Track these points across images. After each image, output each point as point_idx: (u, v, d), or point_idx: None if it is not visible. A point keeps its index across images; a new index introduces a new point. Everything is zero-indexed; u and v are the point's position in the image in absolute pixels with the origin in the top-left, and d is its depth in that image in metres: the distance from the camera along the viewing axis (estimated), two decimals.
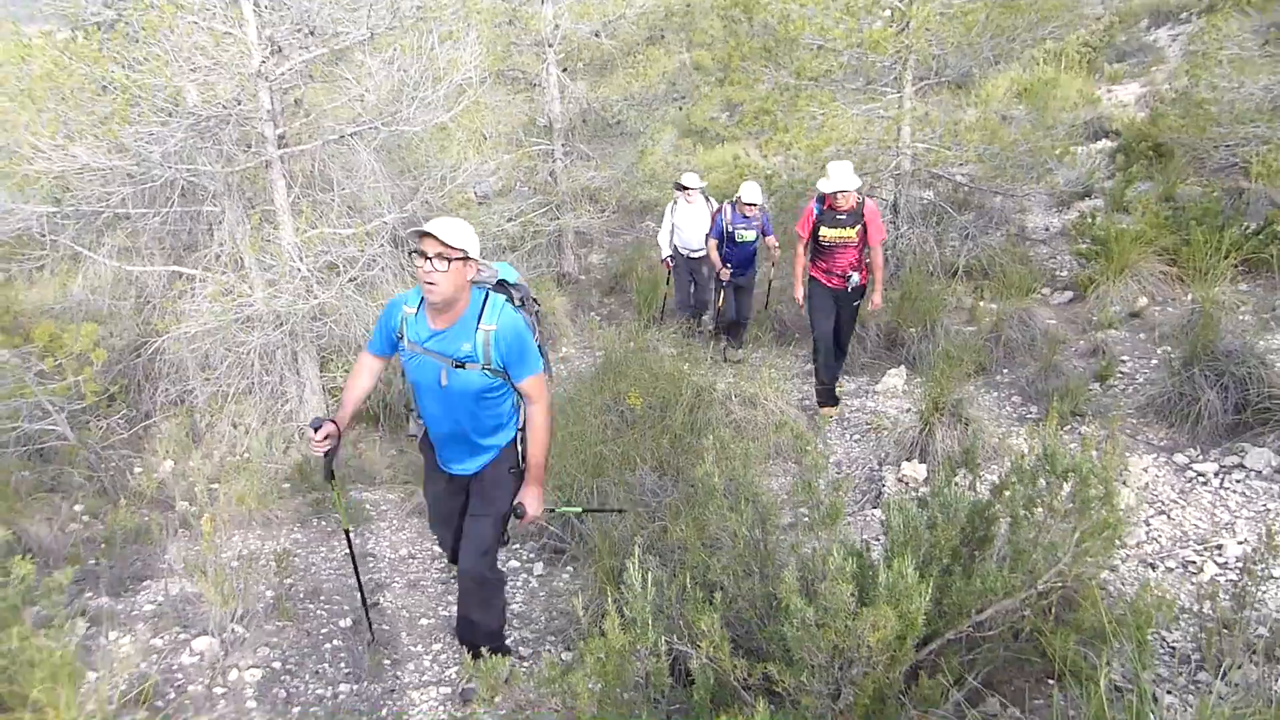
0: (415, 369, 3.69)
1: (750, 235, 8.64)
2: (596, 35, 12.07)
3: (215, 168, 6.95)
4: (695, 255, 9.44)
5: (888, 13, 8.70)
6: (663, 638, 2.77)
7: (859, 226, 6.58)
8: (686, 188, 9.21)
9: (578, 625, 4.07)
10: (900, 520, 2.85)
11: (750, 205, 8.38)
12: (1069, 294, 8.47)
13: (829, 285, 6.84)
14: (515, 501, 3.82)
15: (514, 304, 3.80)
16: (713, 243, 8.75)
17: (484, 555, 3.85)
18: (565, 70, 12.30)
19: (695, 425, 5.91)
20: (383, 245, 7.81)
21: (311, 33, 6.90)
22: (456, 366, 3.59)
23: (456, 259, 3.42)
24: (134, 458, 6.88)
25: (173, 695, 4.07)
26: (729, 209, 8.63)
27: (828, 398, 7.23)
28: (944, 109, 10.57)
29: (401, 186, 8.55)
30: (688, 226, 9.34)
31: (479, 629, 4.03)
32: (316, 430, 3.64)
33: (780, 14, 8.46)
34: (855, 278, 6.72)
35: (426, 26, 7.28)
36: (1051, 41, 13.53)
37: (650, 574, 2.94)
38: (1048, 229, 10.26)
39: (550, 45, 11.91)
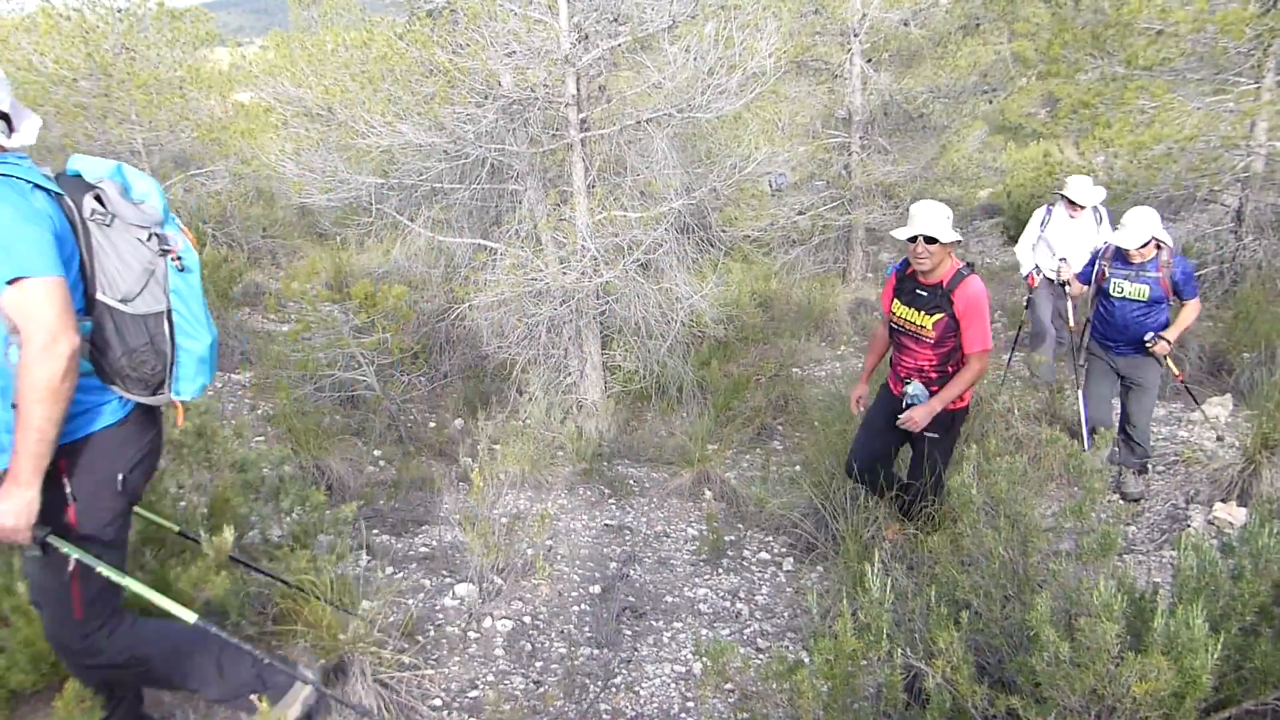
0: None
1: (1138, 291, 5.46)
2: (906, 24, 11.57)
3: (522, 148, 7.39)
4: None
5: None
6: (899, 650, 2.57)
7: (942, 316, 4.38)
8: (1073, 202, 7.02)
9: (813, 623, 3.91)
10: (1194, 562, 2.44)
11: (1139, 243, 5.30)
12: None
13: (892, 389, 4.78)
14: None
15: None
16: (1078, 287, 6.07)
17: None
18: (869, 60, 11.91)
19: (969, 436, 5.50)
20: (668, 230, 7.96)
21: (617, 20, 7.13)
22: None
23: None
24: (429, 413, 7.48)
25: (432, 632, 4.36)
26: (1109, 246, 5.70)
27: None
28: None
29: (692, 174, 8.66)
30: (1061, 247, 7.13)
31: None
32: None
33: None
34: (920, 391, 4.52)
35: (727, 14, 7.30)
36: None
37: (894, 582, 2.75)
38: None
39: (856, 35, 11.58)
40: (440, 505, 5.97)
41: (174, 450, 4.36)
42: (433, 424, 7.30)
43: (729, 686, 3.96)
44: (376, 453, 6.62)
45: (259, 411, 7.02)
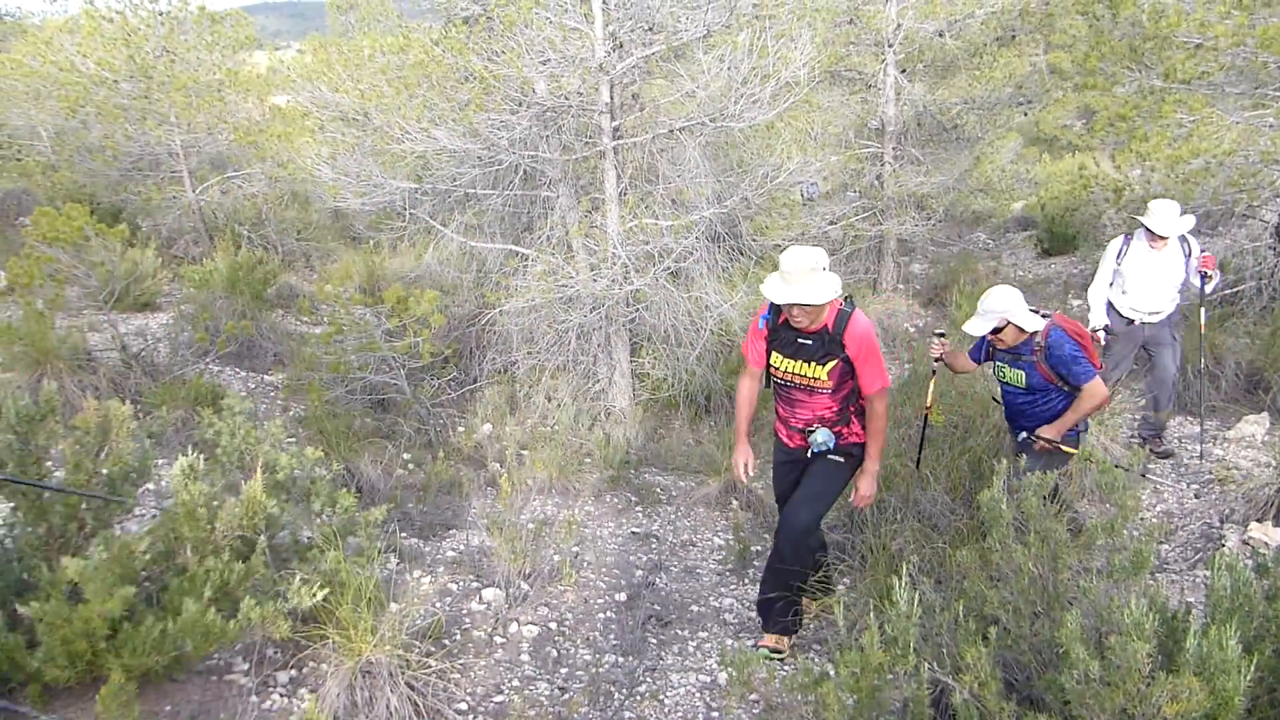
0: None
1: (1016, 377, 4.89)
2: (941, 35, 11.52)
3: (554, 155, 7.43)
4: (1151, 319, 6.30)
5: None
6: (925, 664, 2.56)
7: (836, 362, 4.02)
8: (1154, 233, 6.07)
9: (839, 636, 3.89)
10: (1228, 582, 2.41)
11: (981, 330, 4.76)
12: None
13: (788, 444, 4.40)
14: None
15: None
16: (968, 365, 5.21)
17: None
18: (903, 71, 11.86)
19: (1000, 450, 5.46)
20: (699, 239, 7.96)
21: (651, 29, 7.16)
22: None
23: None
24: (458, 417, 7.52)
25: (458, 636, 4.39)
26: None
27: (773, 619, 4.45)
28: None
29: (724, 183, 8.66)
30: (1143, 279, 6.21)
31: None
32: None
33: (1152, 9, 7.56)
34: (828, 437, 4.19)
35: (762, 24, 7.30)
36: None
37: (922, 596, 2.74)
38: None
39: (890, 45, 11.54)
40: (468, 510, 6.00)
41: (207, 450, 4.42)
42: (462, 428, 7.34)
43: (754, 697, 3.96)
44: (406, 456, 6.67)
45: (291, 413, 7.10)
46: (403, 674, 3.52)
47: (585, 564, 5.36)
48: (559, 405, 7.72)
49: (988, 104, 11.92)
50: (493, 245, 8.29)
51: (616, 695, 4.05)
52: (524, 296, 7.42)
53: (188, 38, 11.22)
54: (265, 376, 8.12)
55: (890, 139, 12.04)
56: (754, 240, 10.15)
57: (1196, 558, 5.01)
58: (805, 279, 3.82)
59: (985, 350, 4.99)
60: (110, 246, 8.50)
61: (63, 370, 6.44)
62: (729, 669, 3.89)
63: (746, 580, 5.31)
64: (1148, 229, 6.12)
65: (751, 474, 4.43)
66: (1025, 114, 12.98)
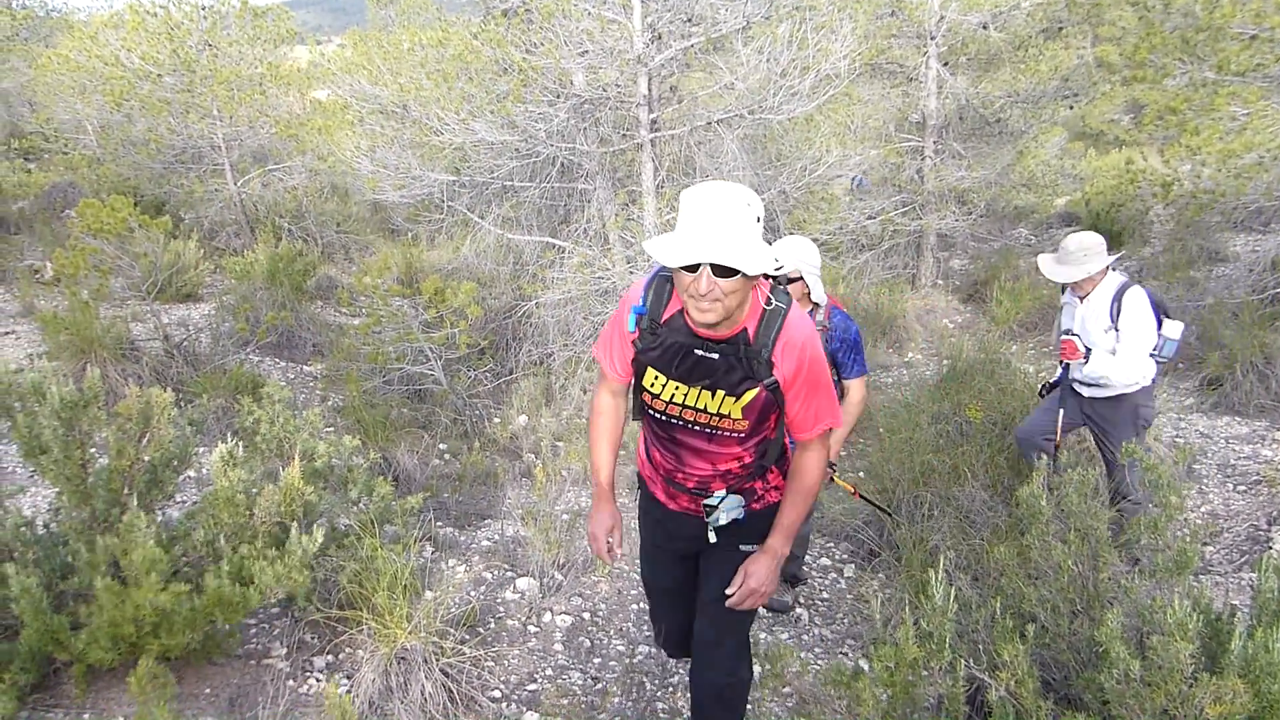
0: None
1: None
2: (985, 27, 11.35)
3: (592, 147, 7.43)
4: (1086, 393, 4.70)
5: None
6: (961, 661, 2.52)
7: (757, 392, 2.51)
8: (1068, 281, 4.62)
9: (874, 631, 3.86)
10: (1275, 585, 2.35)
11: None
12: None
13: (667, 504, 2.87)
14: None
15: None
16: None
17: None
18: (946, 64, 11.71)
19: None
20: None
21: (690, 20, 7.13)
22: None
23: None
24: (494, 408, 7.55)
25: (492, 624, 4.40)
26: None
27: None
28: None
29: (761, 176, 8.61)
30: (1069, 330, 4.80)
31: None
32: None
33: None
34: (736, 505, 2.74)
35: (802, 15, 7.24)
36: None
37: (958, 592, 2.70)
38: None
39: (933, 38, 11.39)
40: (503, 500, 6.02)
41: (246, 438, 4.48)
42: (497, 419, 7.37)
43: (787, 690, 3.94)
44: (442, 446, 6.71)
45: (329, 403, 7.17)
46: (437, 661, 3.54)
47: (619, 555, 5.35)
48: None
49: (1032, 97, 11.73)
50: (529, 237, 8.31)
51: (649, 686, 4.04)
52: (560, 289, 7.44)
53: (230, 32, 11.36)
54: (304, 367, 8.20)
55: (931, 133, 11.89)
56: (791, 234, 10.07)
57: (1242, 560, 4.90)
58: (732, 229, 2.17)
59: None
60: (154, 238, 8.64)
61: (107, 359, 6.56)
62: (762, 662, 3.89)
63: (796, 591, 5.28)
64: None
65: (620, 551, 2.82)
66: (1071, 108, 12.75)
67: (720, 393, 2.50)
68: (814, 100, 7.27)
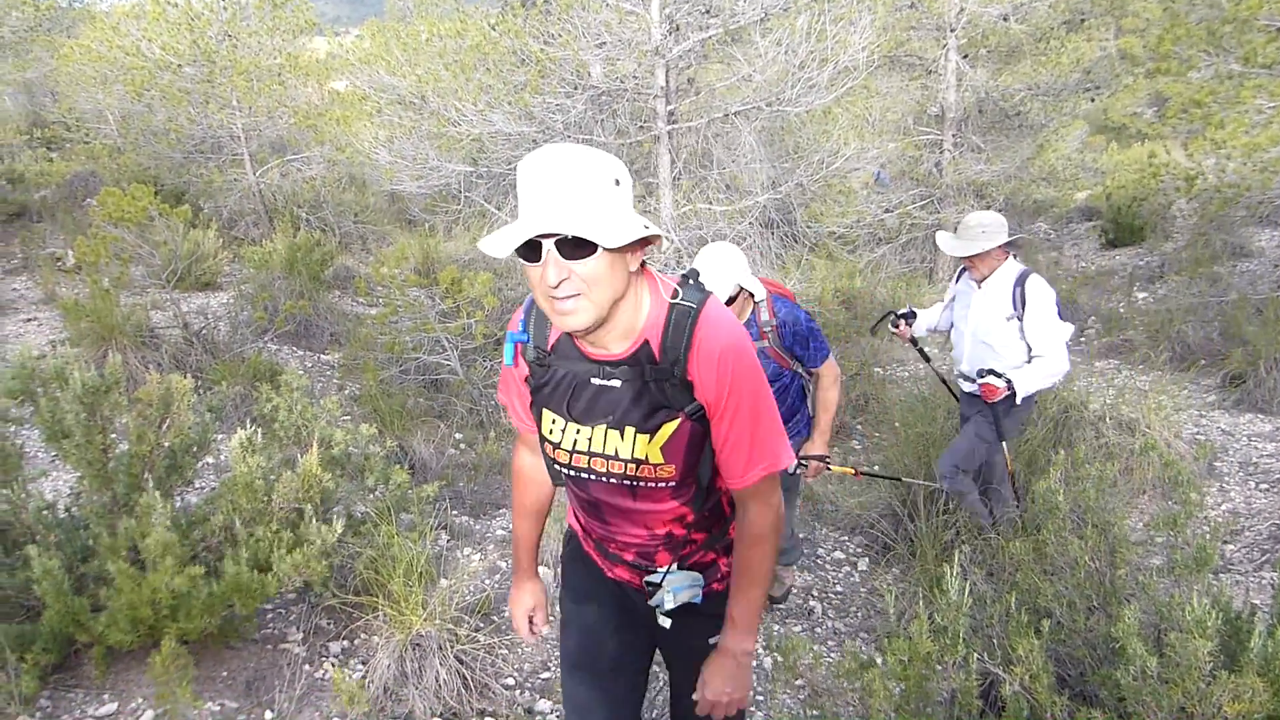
0: None
1: None
2: (1005, 19, 11.27)
3: (609, 139, 7.43)
4: (968, 387, 4.60)
5: None
6: (975, 655, 2.52)
7: (676, 425, 1.84)
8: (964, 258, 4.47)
9: (888, 624, 3.86)
10: None
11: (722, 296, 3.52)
12: None
13: (605, 572, 2.22)
14: None
15: None
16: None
17: None
18: (965, 56, 11.64)
19: (1057, 443, 5.35)
20: (752, 224, 7.91)
21: (708, 12, 7.12)
22: None
23: None
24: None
25: (506, 613, 4.42)
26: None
27: None
28: None
29: (779, 168, 8.59)
30: (959, 326, 4.65)
31: None
32: None
33: None
34: (686, 589, 2.08)
35: (820, 7, 7.21)
36: None
37: (972, 586, 2.69)
38: None
39: (953, 30, 11.33)
40: None
41: (265, 425, 4.51)
42: None
43: (799, 682, 3.94)
44: (458, 435, 6.73)
45: (346, 391, 7.20)
46: (452, 648, 3.55)
47: (542, 632, 5.35)
48: None
49: (1053, 90, 11.65)
50: None
51: (662, 676, 4.05)
52: None
53: (249, 22, 11.41)
54: (322, 355, 8.24)
55: (950, 126, 11.83)
56: (808, 227, 10.06)
57: (1263, 559, 4.86)
58: (578, 195, 1.63)
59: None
60: (173, 227, 8.71)
61: (127, 346, 6.61)
62: (775, 654, 3.89)
63: (794, 567, 5.27)
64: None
65: (542, 629, 2.39)
66: (1092, 100, 12.65)
67: (630, 430, 1.84)
68: (832, 93, 7.24)
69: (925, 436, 5.51)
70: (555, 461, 1.99)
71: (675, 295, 1.82)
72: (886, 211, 11.64)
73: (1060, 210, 14.92)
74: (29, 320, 8.50)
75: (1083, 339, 9.21)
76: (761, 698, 3.99)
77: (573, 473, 1.97)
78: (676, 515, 2.00)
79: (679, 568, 2.08)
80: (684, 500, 1.97)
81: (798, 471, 3.85)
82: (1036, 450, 5.16)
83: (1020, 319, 4.28)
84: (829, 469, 4.08)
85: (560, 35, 6.60)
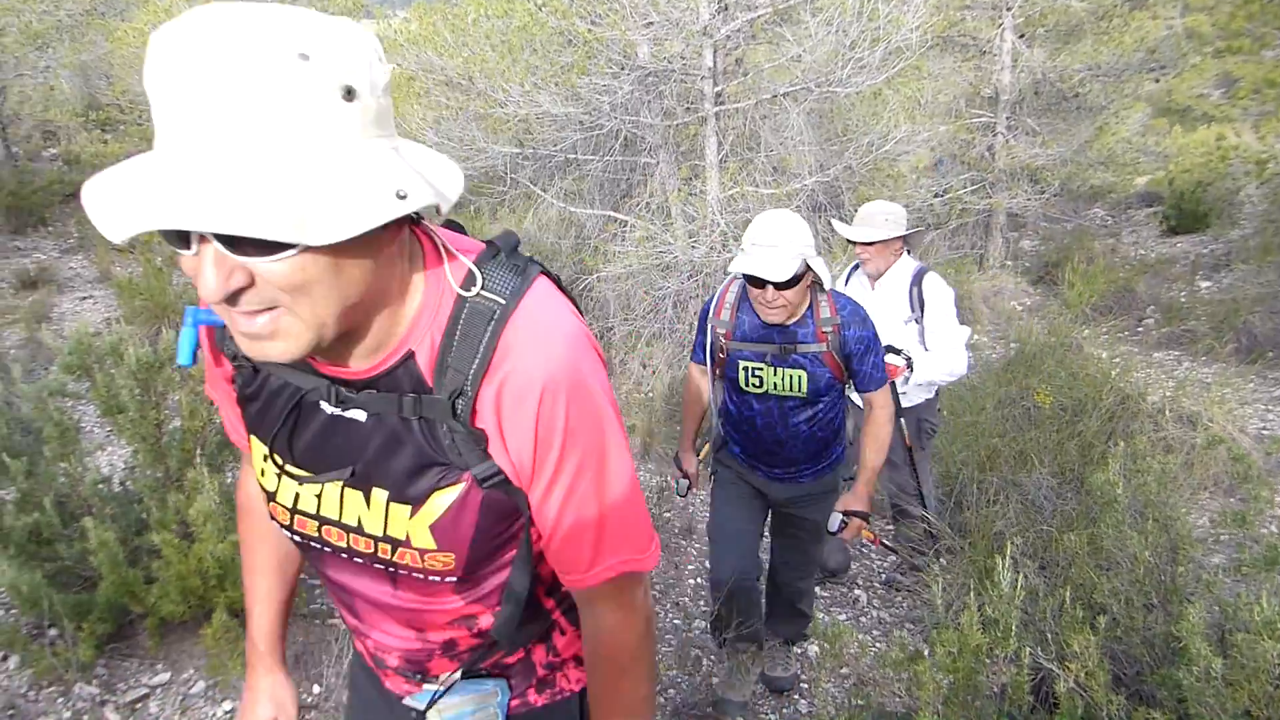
0: None
1: (788, 381, 2.99)
2: None
3: (656, 120, 7.37)
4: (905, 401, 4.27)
5: None
6: (1027, 649, 2.46)
7: (456, 492, 1.11)
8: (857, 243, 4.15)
9: (936, 615, 3.80)
10: None
11: (784, 273, 2.72)
12: None
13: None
14: None
15: None
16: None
17: None
18: (1022, 36, 11.37)
19: (1113, 435, 5.22)
20: (800, 208, 7.82)
21: None
22: None
23: None
24: None
25: None
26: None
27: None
28: None
29: (827, 151, 8.48)
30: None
31: None
32: None
33: None
34: (467, 706, 1.33)
35: None
36: None
37: (1024, 578, 2.63)
38: None
39: (1009, 8, 11.08)
40: None
41: None
42: None
43: (844, 671, 3.90)
44: None
45: None
46: None
47: (675, 530, 5.35)
48: (654, 372, 7.71)
49: (1114, 71, 11.32)
50: (592, 211, 8.30)
51: (705, 661, 4.04)
52: (621, 263, 7.42)
53: (299, 4, 11.48)
54: None
55: (1004, 108, 11.58)
56: (856, 211, 9.92)
57: None
58: (252, 134, 0.80)
59: (715, 343, 3.06)
60: None
61: (179, 323, 6.73)
62: (820, 641, 3.85)
63: (839, 555, 5.23)
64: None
65: None
66: (1156, 81, 12.30)
67: (379, 495, 1.14)
68: (883, 73, 7.12)
69: (974, 426, 5.42)
70: (273, 517, 1.26)
71: (470, 282, 1.07)
72: (936, 196, 11.45)
73: (1119, 196, 14.56)
74: (85, 298, 8.69)
75: (1140, 329, 9.00)
76: (805, 685, 3.97)
77: (299, 539, 1.26)
78: (461, 617, 1.25)
79: (464, 677, 1.32)
80: (475, 599, 1.24)
81: (838, 532, 3.22)
82: (1091, 442, 5.05)
83: (919, 321, 4.03)
84: (868, 528, 3.31)
85: (607, 15, 6.55)
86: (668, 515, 5.45)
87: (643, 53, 6.94)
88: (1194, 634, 2.20)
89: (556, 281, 1.21)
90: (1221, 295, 9.32)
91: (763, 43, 8.03)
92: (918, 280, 4.02)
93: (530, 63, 6.70)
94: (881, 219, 4.00)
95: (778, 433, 3.07)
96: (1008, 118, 11.62)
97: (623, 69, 6.87)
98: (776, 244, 2.70)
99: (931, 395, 4.30)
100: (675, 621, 4.38)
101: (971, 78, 11.90)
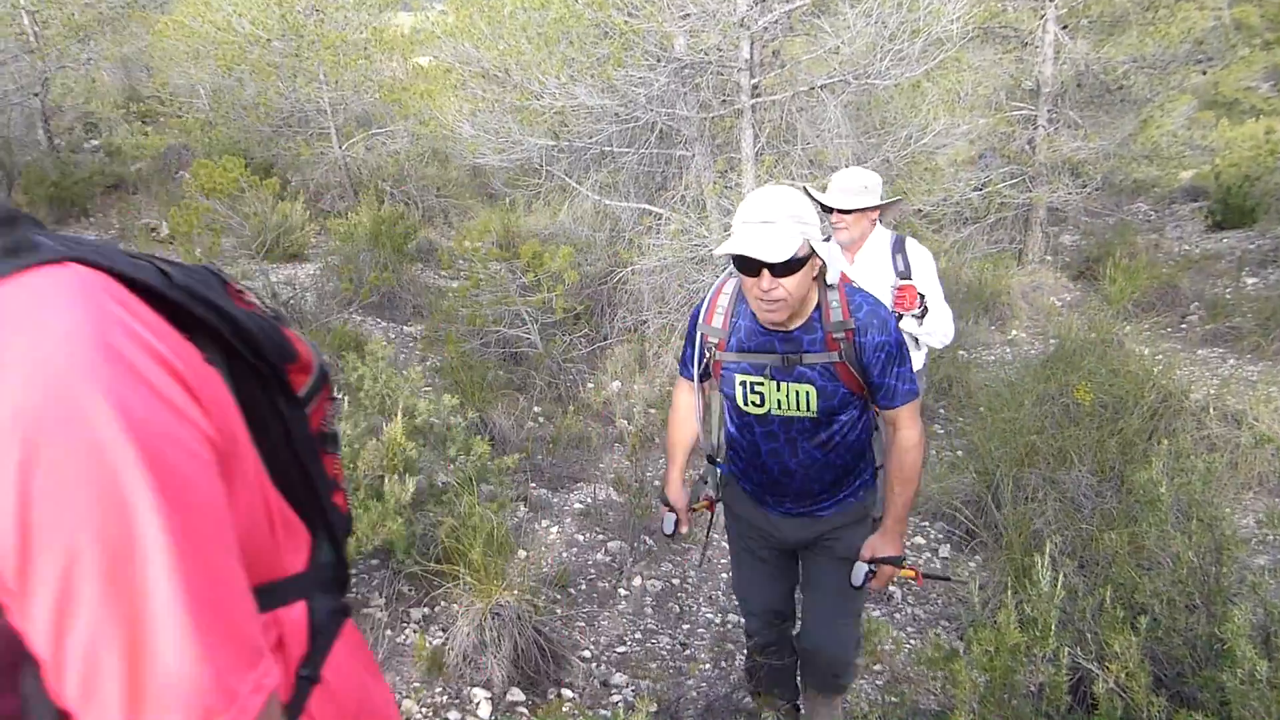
0: None
1: (792, 398, 2.44)
2: None
3: (691, 113, 7.33)
4: None
5: None
6: (1065, 649, 2.43)
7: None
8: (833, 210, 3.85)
9: (972, 613, 3.75)
10: None
11: (784, 253, 2.19)
12: None
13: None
14: None
15: None
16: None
17: None
18: (1065, 27, 11.17)
19: (1155, 433, 5.12)
20: None
21: None
22: None
23: None
24: (588, 374, 7.59)
25: (584, 585, 4.44)
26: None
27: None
28: None
29: (864, 144, 8.39)
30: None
31: None
32: None
33: None
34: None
35: None
36: None
37: (1063, 578, 2.59)
38: None
39: (1052, 0, 10.89)
40: (596, 464, 6.06)
41: (350, 393, 4.58)
42: (591, 384, 7.40)
43: (878, 667, 3.87)
44: (537, 409, 6.77)
45: (428, 363, 7.30)
46: (530, 618, 3.58)
47: (709, 523, 5.34)
48: None
49: (1160, 62, 11.07)
50: (627, 204, 8.28)
51: (738, 656, 4.02)
52: (656, 256, 7.39)
53: None
54: (404, 327, 8.37)
55: (1046, 100, 11.38)
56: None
57: None
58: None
59: (705, 354, 2.58)
60: (263, 199, 8.91)
61: None
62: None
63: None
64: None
65: None
66: (1204, 73, 12.03)
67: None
68: (922, 65, 7.02)
69: (1012, 423, 5.35)
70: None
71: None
72: (974, 190, 11.29)
73: (1163, 190, 14.27)
74: None
75: (1183, 325, 8.83)
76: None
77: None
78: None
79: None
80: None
81: (866, 584, 2.64)
82: (1132, 440, 4.96)
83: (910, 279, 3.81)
84: (900, 572, 2.68)
85: (644, 7, 6.51)
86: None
87: (679, 45, 6.91)
88: (1238, 636, 2.15)
89: (138, 283, 0.81)
90: (1268, 292, 9.13)
91: (800, 34, 7.96)
92: (899, 247, 3.85)
93: (566, 55, 6.68)
94: (862, 187, 3.80)
95: (785, 461, 2.55)
96: (1049, 110, 11.42)
97: (659, 61, 6.83)
98: (772, 219, 2.18)
99: (921, 366, 4.10)
100: (708, 615, 4.37)
101: (1012, 70, 11.71)
